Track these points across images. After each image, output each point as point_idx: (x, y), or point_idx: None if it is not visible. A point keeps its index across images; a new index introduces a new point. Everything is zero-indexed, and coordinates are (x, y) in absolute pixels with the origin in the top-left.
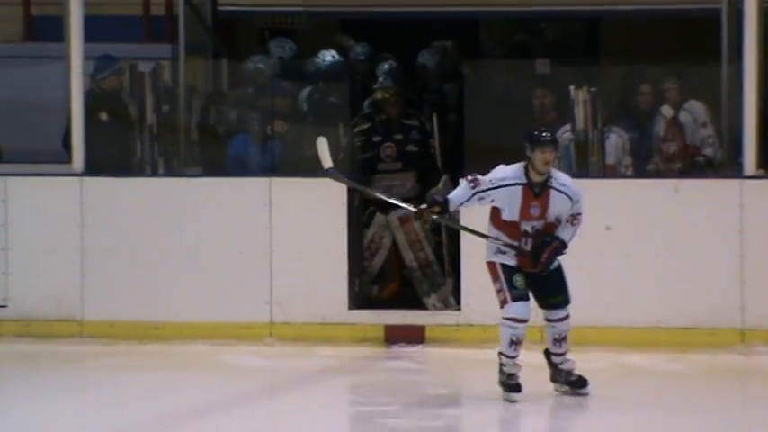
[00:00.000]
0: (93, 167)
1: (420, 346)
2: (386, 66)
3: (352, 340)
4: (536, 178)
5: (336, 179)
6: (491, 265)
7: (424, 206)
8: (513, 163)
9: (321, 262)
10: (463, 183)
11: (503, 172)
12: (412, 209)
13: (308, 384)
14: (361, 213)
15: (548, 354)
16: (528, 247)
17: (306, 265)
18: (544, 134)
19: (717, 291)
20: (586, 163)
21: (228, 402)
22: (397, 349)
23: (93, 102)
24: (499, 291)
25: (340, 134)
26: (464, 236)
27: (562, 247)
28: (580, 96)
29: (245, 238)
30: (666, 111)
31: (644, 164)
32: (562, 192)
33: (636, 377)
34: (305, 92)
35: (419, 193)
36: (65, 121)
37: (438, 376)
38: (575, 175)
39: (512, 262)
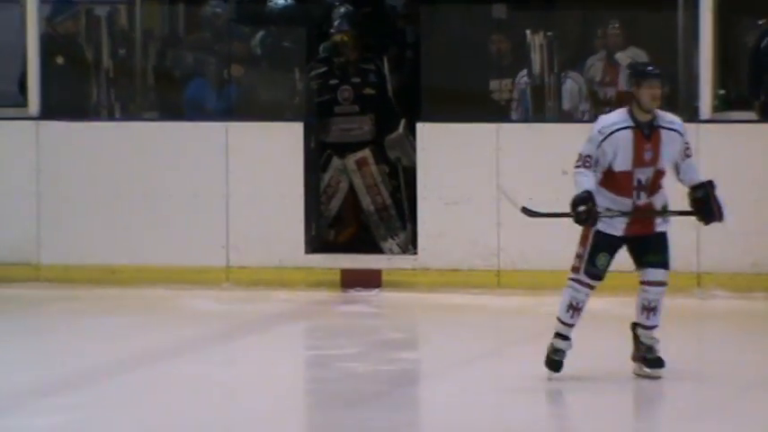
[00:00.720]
0: (50, 111)
1: (376, 290)
2: (342, 9)
3: (308, 284)
4: (643, 117)
5: (535, 215)
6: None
7: (582, 208)
8: (469, 106)
9: (278, 206)
10: (578, 170)
11: (608, 119)
12: (572, 214)
13: (264, 328)
14: (318, 157)
15: (634, 327)
16: (641, 202)
17: (262, 209)
18: (650, 67)
19: (672, 234)
20: (543, 108)
21: (185, 347)
22: (353, 293)
23: (50, 45)
24: (578, 256)
25: (296, 78)
26: (421, 180)
27: (713, 185)
28: (536, 41)
29: (202, 183)
30: (621, 58)
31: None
32: (672, 129)
33: (592, 321)
34: (258, 36)
35: (376, 137)
36: (21, 65)
37: (394, 320)
38: (532, 120)
39: (616, 230)
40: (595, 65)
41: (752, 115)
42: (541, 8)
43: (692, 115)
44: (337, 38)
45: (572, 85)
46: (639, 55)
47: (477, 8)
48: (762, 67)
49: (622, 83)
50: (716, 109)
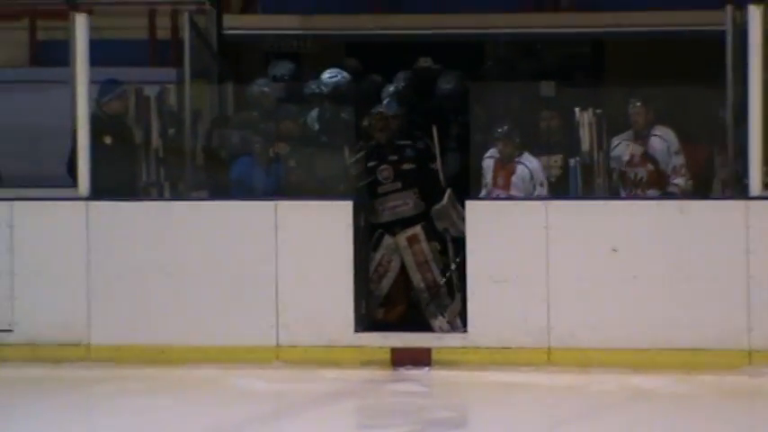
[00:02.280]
0: (99, 191)
1: (426, 368)
2: (391, 88)
3: (358, 363)
4: None
5: None
6: None
7: None
8: None
9: (327, 284)
10: None
11: None
12: None
13: (314, 408)
14: (367, 235)
15: None
16: None
17: (312, 287)
18: None
19: (724, 312)
20: (593, 185)
21: (235, 427)
22: (403, 372)
23: (98, 125)
24: None
25: (346, 156)
26: (470, 257)
27: None
28: (585, 119)
29: (251, 261)
30: (624, 148)
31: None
32: None
33: (644, 399)
34: (314, 112)
35: (424, 210)
36: (69, 146)
37: (444, 399)
38: (580, 197)
39: None
40: (622, 144)
41: None
42: (589, 85)
43: (741, 192)
44: (366, 122)
45: (523, 170)
46: (668, 133)
47: (525, 86)
48: None
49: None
50: (766, 186)
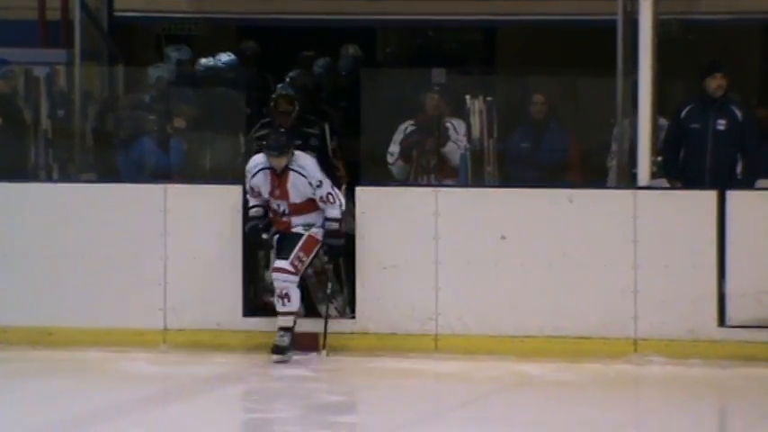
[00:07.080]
0: None
1: (315, 353)
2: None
3: (246, 347)
4: None
5: None
6: None
7: None
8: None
9: (216, 269)
10: None
11: None
12: None
13: (201, 391)
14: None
15: None
16: None
17: (200, 271)
18: None
19: (610, 300)
20: (482, 172)
21: (121, 410)
22: (291, 357)
23: None
24: None
25: (239, 141)
26: (359, 243)
27: None
28: (476, 106)
29: (140, 245)
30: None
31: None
32: None
33: (529, 387)
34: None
35: None
36: None
37: (333, 384)
38: (469, 184)
39: None
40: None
41: None
42: (481, 73)
43: (629, 182)
44: (272, 104)
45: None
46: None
47: (416, 72)
48: (680, 137)
49: None
50: (653, 176)
